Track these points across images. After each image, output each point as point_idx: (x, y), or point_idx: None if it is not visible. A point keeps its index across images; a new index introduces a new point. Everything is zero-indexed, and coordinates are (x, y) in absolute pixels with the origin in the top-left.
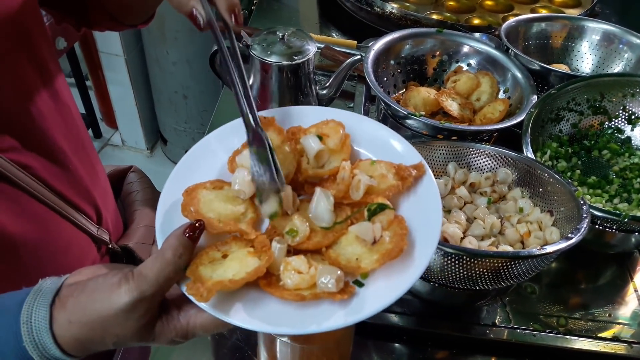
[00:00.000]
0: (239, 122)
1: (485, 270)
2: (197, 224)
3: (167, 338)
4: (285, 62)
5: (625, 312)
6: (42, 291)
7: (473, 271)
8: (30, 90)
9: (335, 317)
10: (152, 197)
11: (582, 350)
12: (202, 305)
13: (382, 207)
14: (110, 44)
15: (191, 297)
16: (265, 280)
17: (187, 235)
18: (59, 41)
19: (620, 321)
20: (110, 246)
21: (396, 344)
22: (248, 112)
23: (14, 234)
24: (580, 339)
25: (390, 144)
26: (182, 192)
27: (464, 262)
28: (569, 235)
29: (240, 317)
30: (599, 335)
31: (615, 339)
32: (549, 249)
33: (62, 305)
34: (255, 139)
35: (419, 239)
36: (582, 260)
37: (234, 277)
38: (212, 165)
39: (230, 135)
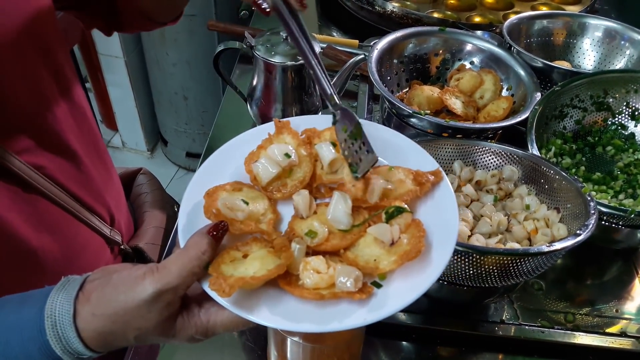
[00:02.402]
0: (253, 132)
1: (493, 268)
2: (221, 224)
3: (188, 334)
4: (289, 63)
5: (631, 307)
6: (66, 286)
7: (482, 269)
8: (45, 93)
9: (355, 316)
10: (161, 198)
11: (590, 346)
12: (223, 302)
13: (399, 210)
14: (109, 46)
15: (213, 294)
16: (285, 280)
17: (211, 234)
18: None
19: (626, 316)
20: (122, 247)
21: (404, 343)
22: (333, 92)
23: (31, 239)
24: (587, 334)
25: (406, 151)
26: (203, 195)
27: (473, 259)
28: (577, 232)
29: (261, 314)
30: (607, 330)
31: (623, 334)
32: (558, 245)
33: (86, 299)
34: (345, 116)
35: (436, 241)
36: (588, 256)
37: (255, 274)
38: (230, 169)
39: (247, 143)
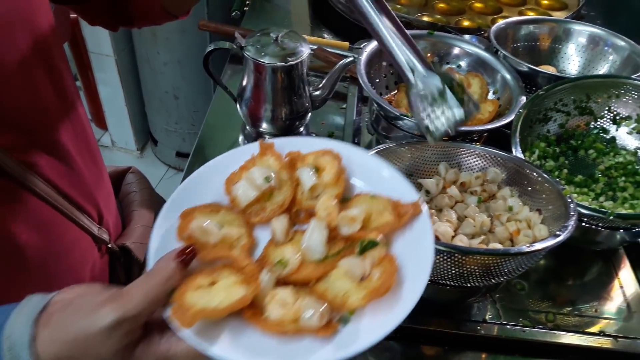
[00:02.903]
0: (238, 151)
1: (475, 268)
2: (188, 249)
3: None
4: (279, 64)
5: (610, 307)
6: (27, 307)
7: (464, 268)
8: (39, 90)
9: (320, 353)
10: (150, 198)
11: (570, 345)
12: (182, 334)
13: (373, 244)
14: (100, 44)
15: (174, 325)
16: (250, 312)
17: (179, 259)
18: None
19: (605, 316)
20: (109, 245)
21: (389, 342)
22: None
23: (19, 236)
24: (567, 334)
25: (388, 180)
26: (178, 215)
27: (455, 259)
28: (557, 232)
29: (222, 347)
30: (586, 330)
31: (602, 333)
32: (538, 246)
33: (46, 322)
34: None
35: (409, 277)
36: (569, 257)
37: (219, 305)
38: (212, 188)
39: (231, 162)
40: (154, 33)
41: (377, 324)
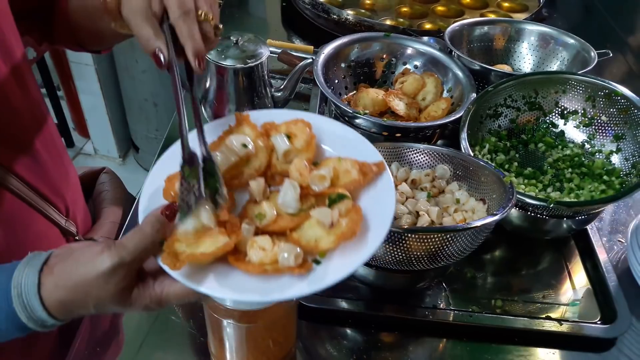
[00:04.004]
0: (217, 123)
1: (421, 249)
2: (173, 204)
3: (143, 304)
4: (239, 66)
5: (558, 294)
6: (32, 260)
7: (410, 251)
8: (4, 89)
9: (295, 288)
10: (122, 196)
11: (515, 329)
12: (174, 274)
13: (341, 197)
14: (80, 54)
15: (165, 267)
16: (234, 256)
17: (164, 214)
18: (28, 51)
19: (552, 302)
20: (77, 238)
21: (345, 328)
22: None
23: None
24: (512, 317)
25: (355, 144)
26: (164, 179)
27: (401, 240)
28: (494, 212)
29: (210, 286)
30: (532, 315)
31: (547, 318)
32: (474, 224)
33: (49, 271)
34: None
35: (373, 225)
36: (523, 248)
37: (205, 251)
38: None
39: (210, 132)
40: (131, 42)
41: (346, 263)
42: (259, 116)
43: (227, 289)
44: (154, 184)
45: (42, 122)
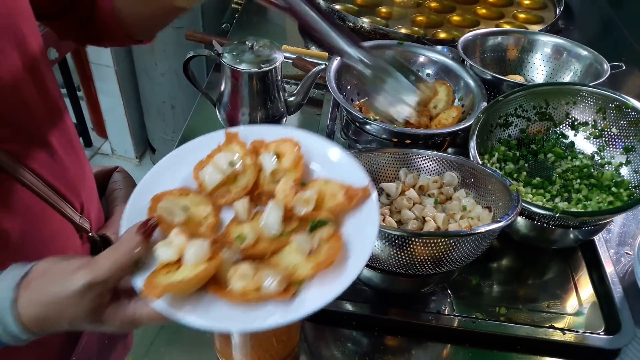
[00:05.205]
0: (205, 138)
1: (425, 252)
2: (150, 221)
3: (116, 323)
4: (253, 70)
5: (563, 304)
6: (10, 274)
7: (414, 255)
8: (22, 87)
9: (276, 316)
10: None
11: (518, 336)
12: (154, 304)
13: (323, 223)
14: (100, 55)
15: (144, 298)
16: (215, 286)
17: (141, 231)
18: (50, 52)
19: (557, 312)
20: (90, 234)
21: (349, 330)
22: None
23: (2, 221)
24: (516, 325)
25: (344, 166)
26: (149, 198)
27: (405, 244)
28: (498, 219)
29: (191, 316)
30: (536, 323)
31: (551, 327)
32: (477, 230)
33: (27, 286)
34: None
35: (354, 252)
36: (530, 258)
37: (183, 279)
38: (182, 174)
39: (199, 148)
40: (152, 45)
41: (323, 292)
42: (249, 133)
43: (207, 320)
44: (141, 201)
45: (59, 120)
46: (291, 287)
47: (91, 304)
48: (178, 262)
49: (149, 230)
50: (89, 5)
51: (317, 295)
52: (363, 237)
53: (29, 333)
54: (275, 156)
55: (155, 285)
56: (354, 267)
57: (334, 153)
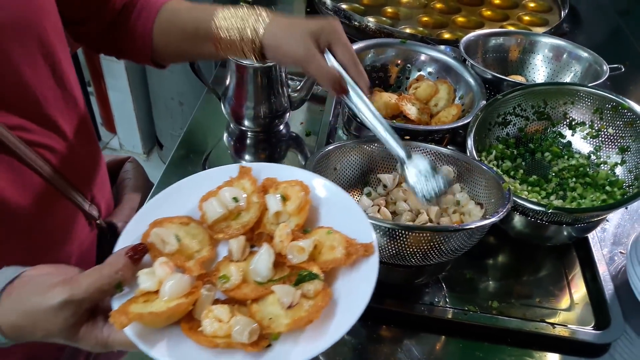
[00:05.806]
0: (217, 170)
1: (412, 244)
2: (139, 247)
3: (89, 344)
4: (258, 65)
5: (555, 300)
6: None
7: (406, 247)
8: (40, 77)
9: None
10: (143, 184)
11: (508, 329)
12: (125, 331)
13: (312, 277)
14: None
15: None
16: (188, 325)
17: (128, 255)
18: None
19: (548, 306)
20: (98, 222)
21: None
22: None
23: (13, 202)
24: (507, 318)
25: (352, 217)
26: (151, 220)
27: (393, 234)
28: (488, 216)
29: (157, 349)
30: (527, 317)
31: (541, 321)
32: (466, 226)
33: (10, 293)
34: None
35: (339, 313)
36: (526, 255)
37: (154, 310)
38: (186, 203)
39: (208, 181)
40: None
41: (298, 350)
42: (263, 169)
43: (173, 357)
44: (138, 228)
45: (74, 111)
46: (263, 340)
47: (66, 321)
48: (157, 293)
49: (137, 255)
50: (110, 19)
51: (292, 352)
52: (355, 297)
53: (6, 338)
54: (280, 197)
55: (126, 312)
56: (338, 329)
57: (347, 202)
